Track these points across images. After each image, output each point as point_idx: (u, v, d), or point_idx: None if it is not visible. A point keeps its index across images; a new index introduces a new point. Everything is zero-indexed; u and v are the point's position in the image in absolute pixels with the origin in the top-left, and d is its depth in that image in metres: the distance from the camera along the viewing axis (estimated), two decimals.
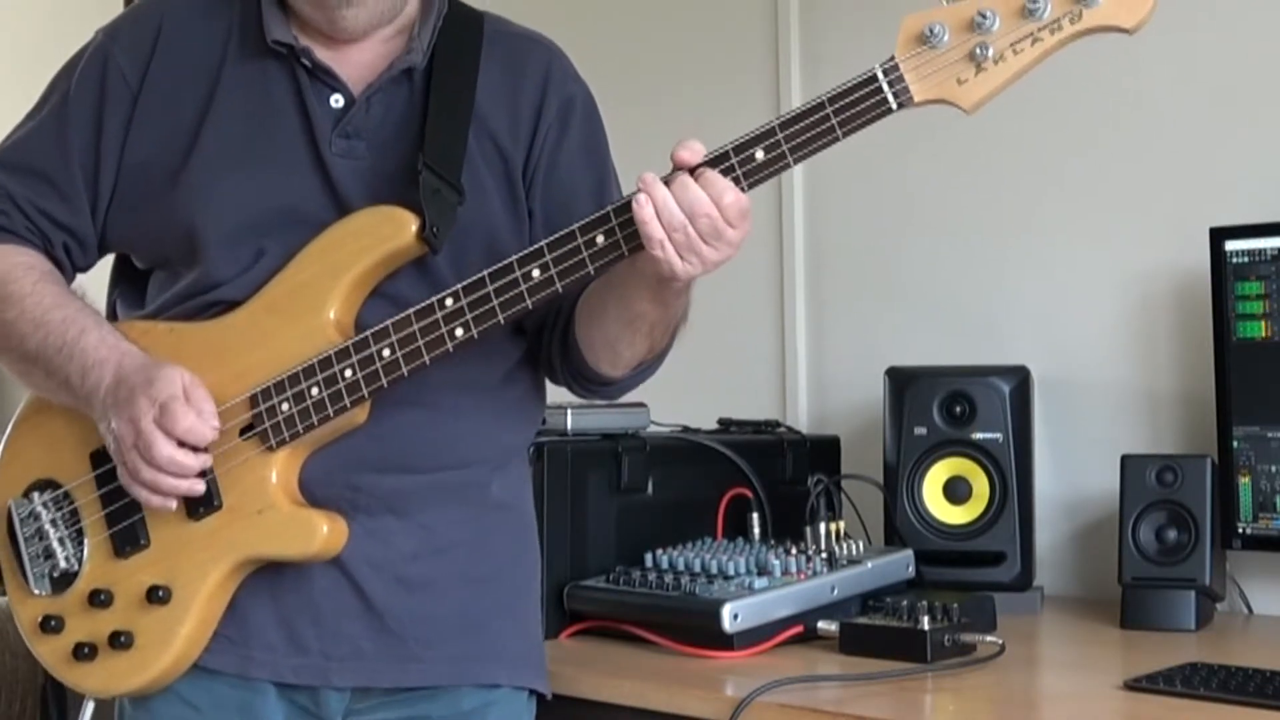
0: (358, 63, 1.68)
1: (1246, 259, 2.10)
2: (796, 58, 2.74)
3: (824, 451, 2.48)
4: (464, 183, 1.63)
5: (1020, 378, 2.29)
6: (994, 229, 2.52)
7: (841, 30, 2.67)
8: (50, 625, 1.64)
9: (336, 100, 1.66)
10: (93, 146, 1.67)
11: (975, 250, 2.54)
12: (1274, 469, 2.07)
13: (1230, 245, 2.11)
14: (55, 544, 1.65)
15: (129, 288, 1.76)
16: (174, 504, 1.58)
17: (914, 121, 2.52)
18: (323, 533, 1.59)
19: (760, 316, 2.78)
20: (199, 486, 1.58)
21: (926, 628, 1.82)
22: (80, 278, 1.76)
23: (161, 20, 1.69)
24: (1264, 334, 2.08)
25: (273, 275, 1.62)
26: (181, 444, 1.55)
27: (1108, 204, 2.40)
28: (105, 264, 1.80)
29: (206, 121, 1.65)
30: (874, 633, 1.88)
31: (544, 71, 1.73)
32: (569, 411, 2.15)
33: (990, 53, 1.44)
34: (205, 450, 1.58)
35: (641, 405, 2.24)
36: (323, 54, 1.66)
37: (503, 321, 1.55)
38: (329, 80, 1.66)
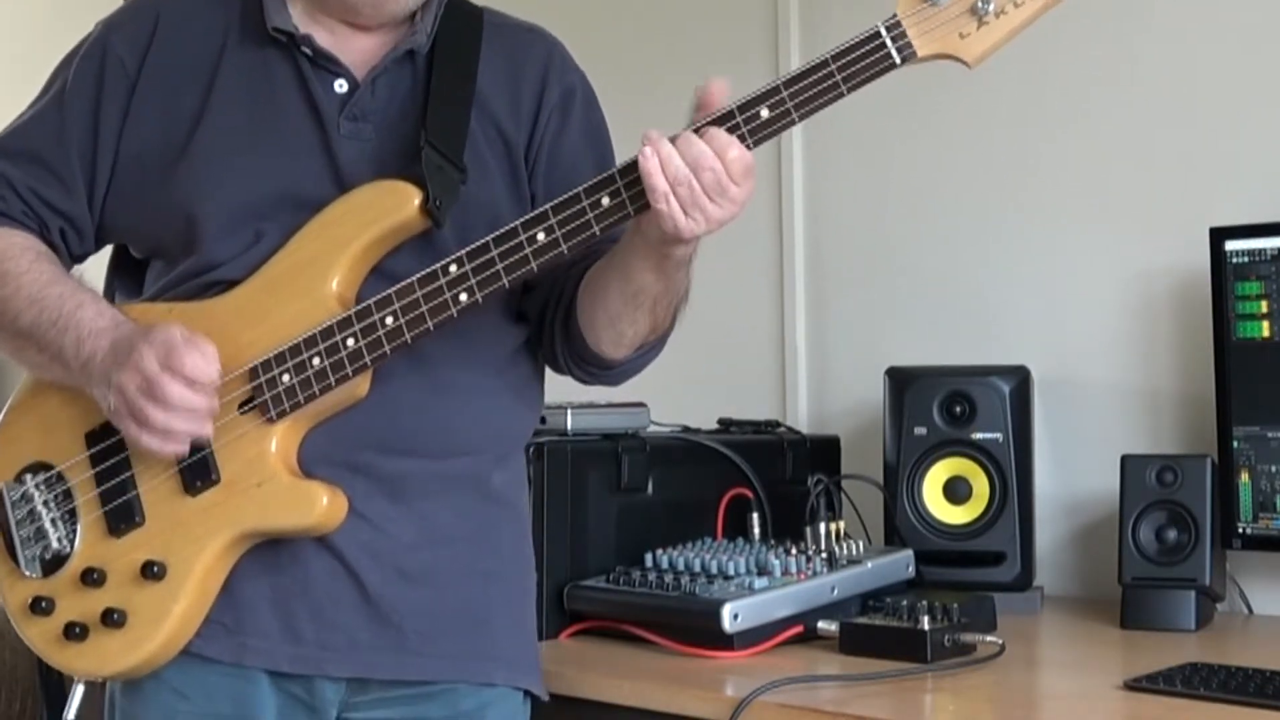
0: (360, 49, 1.69)
1: (1246, 259, 2.10)
2: (796, 48, 2.73)
3: (824, 451, 2.48)
4: (466, 161, 1.64)
5: (1020, 378, 2.29)
6: (994, 229, 2.52)
7: (841, 16, 2.67)
8: (40, 606, 1.63)
9: (340, 85, 1.67)
10: (90, 134, 1.68)
11: (975, 250, 2.54)
12: (1274, 469, 2.07)
13: (1230, 245, 2.11)
14: (48, 525, 1.65)
15: (126, 279, 1.76)
16: (186, 448, 1.57)
17: (915, 123, 2.53)
18: (322, 503, 1.58)
19: (760, 317, 2.78)
20: (208, 428, 1.57)
21: (926, 628, 1.82)
22: (77, 269, 1.76)
23: (160, 10, 1.71)
24: (1264, 334, 2.08)
25: (273, 254, 1.63)
26: (188, 384, 1.55)
27: (1108, 204, 2.40)
28: (102, 258, 1.80)
29: (206, 110, 1.66)
30: (874, 633, 1.88)
31: (544, 61, 1.75)
32: (569, 411, 2.15)
33: (991, 7, 1.46)
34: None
35: (641, 405, 2.24)
36: (324, 41, 1.68)
37: (507, 285, 1.55)
38: (331, 66, 1.67)
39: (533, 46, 1.76)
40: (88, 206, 1.70)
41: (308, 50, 1.66)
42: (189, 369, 1.54)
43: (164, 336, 1.55)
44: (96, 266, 1.79)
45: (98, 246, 1.77)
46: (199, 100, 1.67)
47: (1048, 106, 2.42)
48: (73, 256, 1.75)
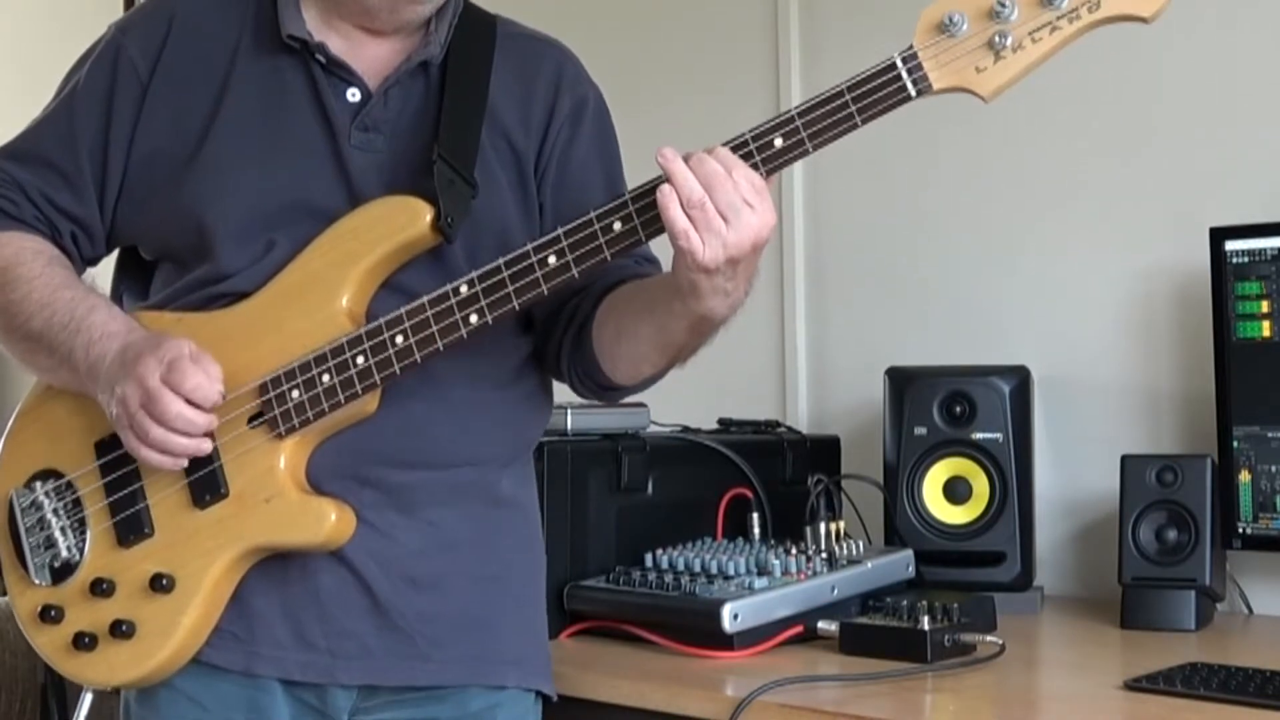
0: (373, 58, 1.69)
1: (1246, 259, 2.10)
2: (796, 62, 2.73)
3: (824, 451, 2.47)
4: (477, 176, 1.64)
5: (1020, 378, 2.29)
6: (994, 229, 2.52)
7: (841, 31, 2.67)
8: (50, 615, 1.64)
9: (353, 94, 1.66)
10: (101, 137, 1.68)
11: (975, 250, 2.54)
12: (1274, 469, 2.06)
13: (1230, 245, 2.11)
14: (57, 533, 1.65)
15: (133, 280, 1.76)
16: (184, 462, 1.57)
17: (914, 123, 2.52)
18: (331, 520, 1.58)
19: (760, 316, 2.78)
20: (206, 445, 1.57)
21: (926, 628, 1.82)
22: (89, 275, 1.76)
23: (174, 13, 1.70)
24: (1264, 334, 2.08)
25: (283, 266, 1.62)
26: (188, 403, 1.55)
27: (1108, 204, 2.40)
28: (109, 259, 1.79)
29: (218, 115, 1.66)
30: (874, 633, 1.88)
31: (557, 72, 1.75)
32: (569, 411, 2.15)
33: (1009, 41, 1.44)
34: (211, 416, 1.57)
35: (641, 405, 2.24)
36: (338, 48, 1.67)
37: (518, 307, 1.56)
38: (344, 75, 1.67)
39: (545, 57, 1.76)
40: (98, 210, 1.70)
41: (321, 58, 1.66)
42: (189, 387, 1.54)
43: (171, 352, 1.55)
44: (103, 268, 1.79)
45: (109, 249, 1.76)
46: (211, 105, 1.66)
47: (1047, 106, 2.42)
48: (84, 259, 1.75)
